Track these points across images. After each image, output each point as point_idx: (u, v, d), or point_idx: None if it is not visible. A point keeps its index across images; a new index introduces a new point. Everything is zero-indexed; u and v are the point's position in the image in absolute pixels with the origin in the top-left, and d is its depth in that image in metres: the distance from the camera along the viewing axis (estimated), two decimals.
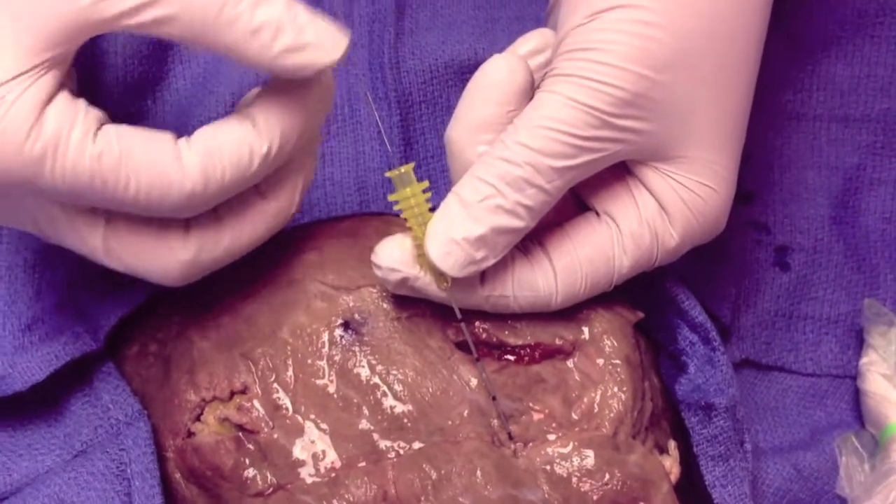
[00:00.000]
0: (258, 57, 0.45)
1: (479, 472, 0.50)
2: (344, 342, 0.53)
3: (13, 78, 0.44)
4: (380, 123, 0.52)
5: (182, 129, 0.48)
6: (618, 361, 0.53)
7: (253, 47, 0.45)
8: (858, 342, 0.64)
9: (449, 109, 0.53)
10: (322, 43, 0.46)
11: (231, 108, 0.60)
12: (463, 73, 0.62)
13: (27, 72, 0.44)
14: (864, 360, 0.63)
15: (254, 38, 0.45)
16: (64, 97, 0.45)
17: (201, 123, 0.48)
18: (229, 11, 0.44)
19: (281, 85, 0.48)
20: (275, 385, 0.52)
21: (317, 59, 0.46)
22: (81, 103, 0.46)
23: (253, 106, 0.48)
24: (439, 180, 0.62)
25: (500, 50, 0.55)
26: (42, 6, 0.44)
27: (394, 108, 0.62)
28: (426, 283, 0.50)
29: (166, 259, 0.49)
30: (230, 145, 0.47)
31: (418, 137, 0.63)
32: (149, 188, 0.46)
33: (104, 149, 0.45)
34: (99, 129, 0.45)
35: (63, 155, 0.44)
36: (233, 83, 0.61)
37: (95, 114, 0.46)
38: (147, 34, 0.45)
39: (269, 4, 0.45)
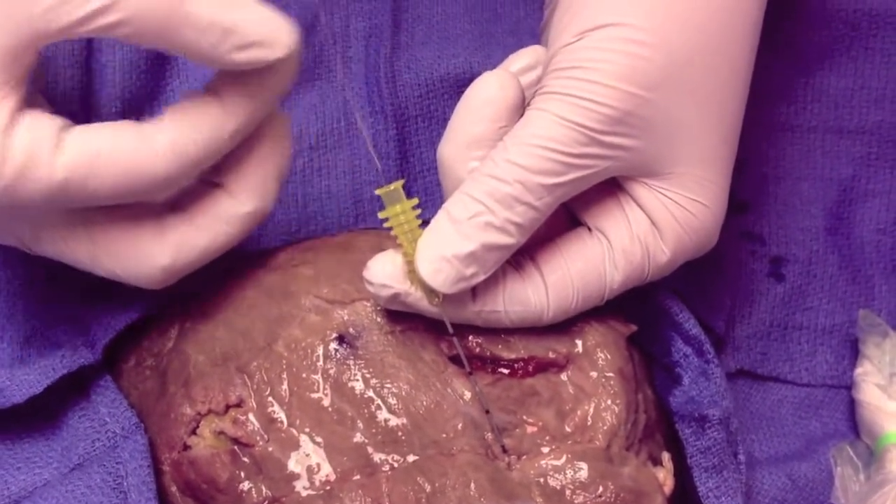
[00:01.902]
0: (209, 55, 0.46)
1: (473, 485, 0.50)
2: (338, 356, 0.53)
3: None
4: (368, 141, 0.52)
5: None
6: (611, 374, 0.53)
7: (203, 47, 0.46)
8: (853, 353, 0.64)
9: (445, 123, 0.53)
10: (269, 40, 0.47)
11: None
12: (459, 86, 0.62)
13: None
14: (858, 370, 0.63)
15: (203, 38, 0.46)
16: (28, 115, 0.46)
17: None
18: (179, 13, 0.45)
19: None
20: (270, 398, 0.52)
21: (265, 56, 0.47)
22: (43, 116, 0.47)
23: (218, 80, 0.49)
24: (435, 194, 0.62)
25: (496, 64, 0.55)
26: None
27: (390, 122, 0.62)
28: (417, 299, 0.51)
29: (146, 264, 0.51)
30: (199, 122, 0.48)
31: (414, 151, 0.63)
32: (123, 179, 0.47)
33: (73, 155, 0.46)
34: (64, 135, 0.46)
35: (36, 172, 0.45)
36: None
37: (58, 123, 0.47)
38: (103, 37, 0.46)
39: (210, 2, 0.46)
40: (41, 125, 0.46)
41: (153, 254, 0.50)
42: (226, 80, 0.49)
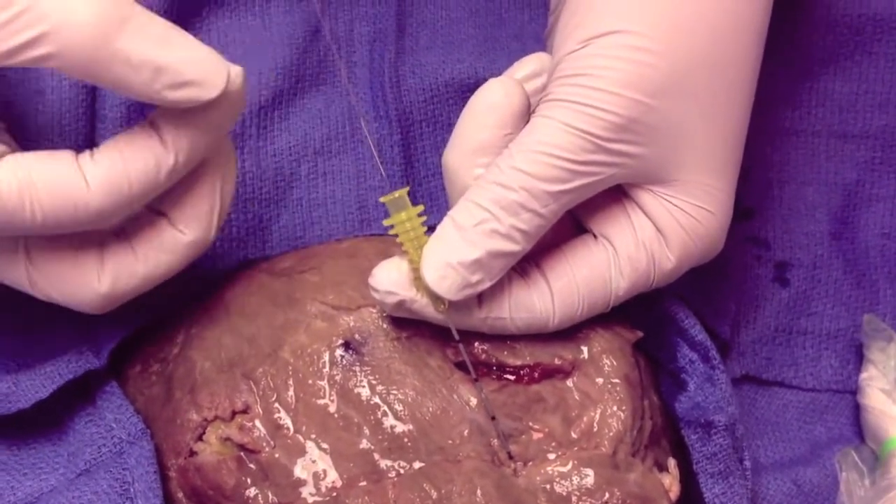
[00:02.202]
0: (142, 93, 0.45)
1: (479, 492, 0.50)
2: (344, 362, 0.53)
3: None
4: (373, 146, 0.52)
5: None
6: (617, 381, 0.53)
7: (135, 84, 0.45)
8: (858, 357, 0.64)
9: (449, 128, 0.54)
10: (202, 80, 0.46)
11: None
12: (463, 91, 0.63)
13: None
14: (863, 375, 0.63)
15: (135, 75, 0.45)
16: None
17: None
18: (109, 49, 0.44)
19: None
20: (276, 405, 0.52)
21: (198, 96, 0.46)
22: None
23: (158, 114, 0.48)
24: (440, 198, 0.62)
25: (500, 69, 0.55)
26: None
27: (395, 126, 0.63)
28: (423, 306, 0.51)
29: (85, 291, 0.50)
30: (136, 157, 0.47)
31: (419, 156, 0.63)
32: (54, 210, 0.46)
33: (4, 185, 0.45)
34: None
35: None
36: None
37: None
38: (35, 67, 0.45)
39: (144, 40, 0.45)
40: None
41: (92, 280, 0.50)
42: (166, 115, 0.48)
